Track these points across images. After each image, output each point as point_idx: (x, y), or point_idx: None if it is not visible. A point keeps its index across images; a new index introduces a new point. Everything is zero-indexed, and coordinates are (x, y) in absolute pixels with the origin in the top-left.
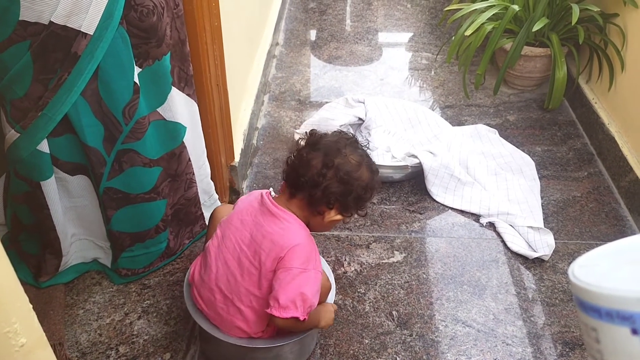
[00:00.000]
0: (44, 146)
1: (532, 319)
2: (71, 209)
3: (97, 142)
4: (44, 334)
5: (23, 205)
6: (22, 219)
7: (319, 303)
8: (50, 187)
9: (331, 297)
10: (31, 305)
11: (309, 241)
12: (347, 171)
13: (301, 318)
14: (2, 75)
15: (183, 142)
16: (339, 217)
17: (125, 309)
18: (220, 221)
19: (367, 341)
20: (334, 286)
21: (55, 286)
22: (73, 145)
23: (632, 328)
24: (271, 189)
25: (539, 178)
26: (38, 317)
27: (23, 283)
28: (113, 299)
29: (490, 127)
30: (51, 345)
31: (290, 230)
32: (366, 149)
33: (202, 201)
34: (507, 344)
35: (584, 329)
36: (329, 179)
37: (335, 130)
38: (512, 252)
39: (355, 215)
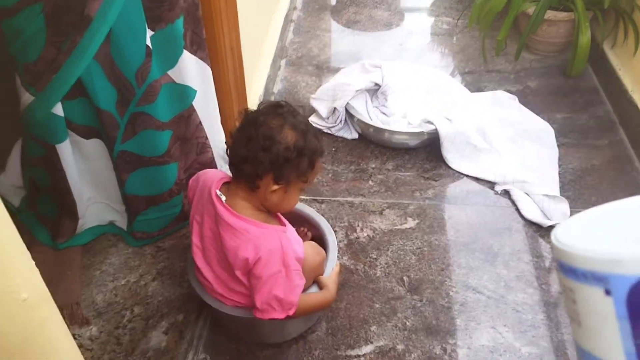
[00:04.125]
0: (58, 109)
1: (543, 287)
2: (87, 172)
3: (110, 105)
4: (47, 289)
5: (39, 168)
6: (39, 182)
7: (317, 276)
8: (65, 150)
9: (331, 264)
10: (34, 262)
11: (271, 243)
12: (267, 136)
13: (281, 317)
14: (15, 39)
15: (192, 105)
16: (275, 187)
17: (140, 271)
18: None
19: (377, 305)
20: (335, 249)
21: (72, 248)
22: (87, 108)
23: (606, 289)
24: (221, 180)
25: (558, 146)
26: (56, 277)
27: (41, 244)
28: (128, 261)
29: (510, 93)
30: (68, 305)
31: (250, 242)
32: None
33: (218, 166)
34: (517, 311)
35: (563, 290)
36: (253, 150)
37: (266, 101)
38: (526, 220)
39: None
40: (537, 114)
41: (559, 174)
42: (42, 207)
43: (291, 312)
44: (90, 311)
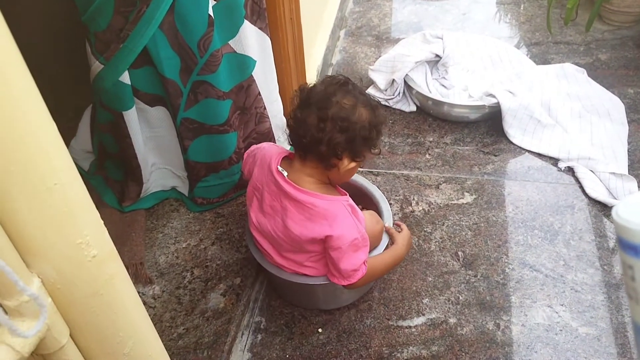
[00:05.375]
0: (126, 77)
1: (605, 267)
2: (151, 138)
3: (174, 73)
4: (115, 247)
5: (108, 134)
6: (107, 147)
7: (374, 245)
8: (132, 117)
9: (384, 241)
10: (102, 221)
11: (342, 213)
12: (344, 117)
13: (358, 277)
14: (86, 8)
15: (252, 75)
16: (352, 164)
17: (200, 235)
18: (249, 187)
19: (430, 279)
20: (390, 218)
21: (137, 211)
22: (152, 76)
23: None
24: (280, 155)
25: (629, 122)
26: (121, 238)
27: (108, 207)
28: (189, 225)
29: (579, 66)
30: (133, 265)
31: (320, 215)
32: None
33: (276, 137)
34: (576, 291)
35: (623, 267)
36: (329, 132)
37: (325, 76)
38: (590, 198)
39: (371, 155)
40: (607, 88)
41: (629, 151)
42: (110, 172)
43: (354, 279)
44: (153, 271)
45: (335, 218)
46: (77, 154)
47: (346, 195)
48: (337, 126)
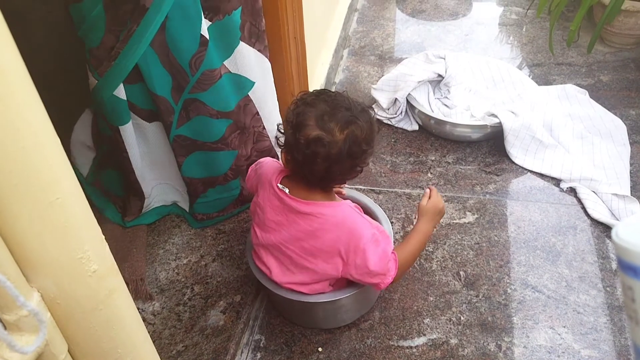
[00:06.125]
0: (121, 92)
1: (607, 289)
2: (148, 154)
3: (166, 91)
4: (115, 263)
5: (108, 146)
6: (108, 154)
7: None
8: (129, 132)
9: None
10: (103, 236)
11: (348, 221)
12: (354, 153)
13: (394, 272)
14: (81, 24)
15: (248, 95)
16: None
17: (201, 252)
18: (253, 204)
19: (431, 298)
20: (391, 239)
21: (138, 227)
22: (147, 92)
23: None
24: (282, 174)
25: (630, 143)
26: (122, 253)
27: (111, 222)
28: (190, 242)
29: (581, 87)
30: (133, 281)
31: (330, 225)
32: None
33: (278, 155)
34: (578, 312)
35: (623, 289)
36: (343, 170)
37: (329, 99)
38: (592, 219)
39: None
40: (609, 109)
41: (631, 172)
42: (110, 186)
43: (393, 271)
44: (153, 287)
45: (344, 222)
46: (75, 146)
47: (348, 200)
48: (357, 168)
